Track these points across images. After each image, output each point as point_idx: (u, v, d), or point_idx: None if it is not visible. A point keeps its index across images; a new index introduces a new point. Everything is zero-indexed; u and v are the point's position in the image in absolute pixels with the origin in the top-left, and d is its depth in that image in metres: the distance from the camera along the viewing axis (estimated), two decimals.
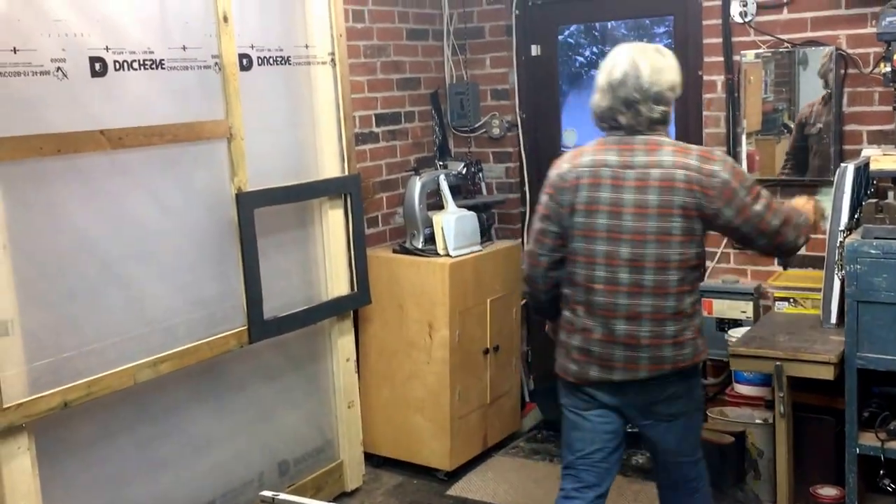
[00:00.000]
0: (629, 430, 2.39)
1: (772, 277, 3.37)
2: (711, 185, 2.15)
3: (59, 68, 2.40)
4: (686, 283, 2.22)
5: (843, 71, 3.23)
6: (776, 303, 3.24)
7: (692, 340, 2.26)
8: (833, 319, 2.93)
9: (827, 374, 2.75)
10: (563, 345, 2.36)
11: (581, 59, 4.30)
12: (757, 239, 2.24)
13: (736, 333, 3.19)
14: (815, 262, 3.36)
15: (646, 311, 2.21)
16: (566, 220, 2.27)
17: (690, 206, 2.16)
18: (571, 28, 4.18)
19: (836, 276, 2.86)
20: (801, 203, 2.49)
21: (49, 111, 2.38)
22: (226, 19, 2.80)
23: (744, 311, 3.39)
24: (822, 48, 3.23)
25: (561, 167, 2.31)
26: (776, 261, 3.45)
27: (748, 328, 3.19)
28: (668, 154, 2.19)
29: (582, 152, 2.30)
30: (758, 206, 2.19)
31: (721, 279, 3.51)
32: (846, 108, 3.26)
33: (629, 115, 2.21)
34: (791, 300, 3.19)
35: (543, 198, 2.33)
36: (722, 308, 3.41)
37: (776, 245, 2.27)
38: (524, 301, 3.99)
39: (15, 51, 2.30)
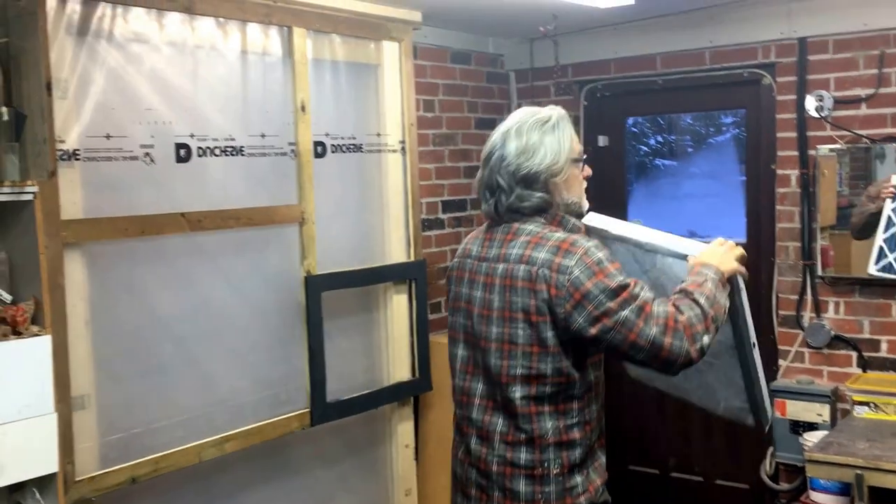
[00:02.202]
0: None
1: (850, 380, 3.23)
2: (559, 284, 1.71)
3: (147, 154, 2.52)
4: (545, 404, 1.77)
5: None
6: (855, 407, 3.10)
7: (559, 477, 1.77)
8: None
9: None
10: None
11: (645, 147, 4.30)
12: (632, 354, 1.72)
13: (812, 437, 3.05)
14: None
15: (496, 431, 1.82)
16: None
17: (535, 310, 1.74)
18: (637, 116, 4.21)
19: None
20: (709, 257, 1.84)
21: (135, 194, 2.49)
22: (303, 109, 2.91)
23: (820, 414, 3.24)
24: None
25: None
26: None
27: (825, 432, 3.05)
28: (518, 246, 1.79)
29: (468, 239, 1.98)
30: (625, 312, 1.69)
31: (795, 379, 3.38)
32: None
33: (490, 202, 1.84)
34: (871, 405, 3.05)
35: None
36: (796, 410, 3.28)
37: (662, 360, 1.71)
38: None
39: (108, 137, 2.42)
